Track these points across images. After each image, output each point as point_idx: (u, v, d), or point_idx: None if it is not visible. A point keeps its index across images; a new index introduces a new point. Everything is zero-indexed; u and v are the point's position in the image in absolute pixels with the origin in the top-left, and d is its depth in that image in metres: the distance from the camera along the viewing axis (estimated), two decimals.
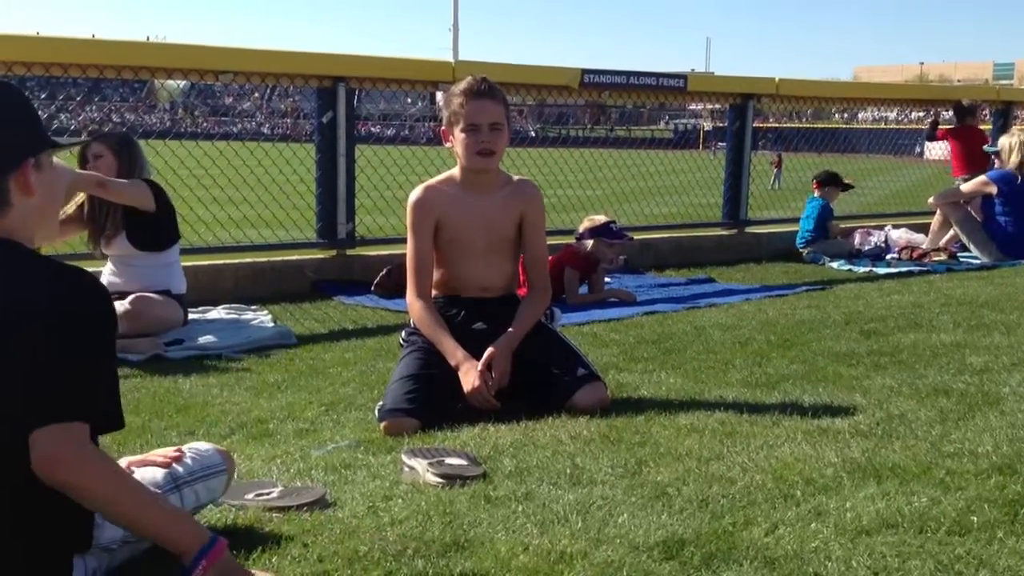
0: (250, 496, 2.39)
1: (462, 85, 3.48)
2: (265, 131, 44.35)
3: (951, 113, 10.11)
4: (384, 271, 6.17)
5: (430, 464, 2.58)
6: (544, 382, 3.39)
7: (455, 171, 3.61)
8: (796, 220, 8.53)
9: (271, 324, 5.30)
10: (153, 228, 4.95)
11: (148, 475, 2.11)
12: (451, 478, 2.51)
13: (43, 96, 11.05)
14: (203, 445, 2.29)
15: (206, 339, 4.87)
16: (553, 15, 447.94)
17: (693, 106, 37.85)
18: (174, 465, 2.16)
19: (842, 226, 8.69)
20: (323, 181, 6.72)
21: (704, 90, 9.05)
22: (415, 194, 3.59)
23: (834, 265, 7.78)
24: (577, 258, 6.13)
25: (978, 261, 7.77)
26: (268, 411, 3.58)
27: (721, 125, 17.86)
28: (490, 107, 3.45)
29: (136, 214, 4.89)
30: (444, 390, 3.35)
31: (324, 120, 6.67)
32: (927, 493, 2.31)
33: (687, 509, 2.27)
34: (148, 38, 36.73)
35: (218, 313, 5.53)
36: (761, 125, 14.22)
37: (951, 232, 8.16)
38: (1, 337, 1.73)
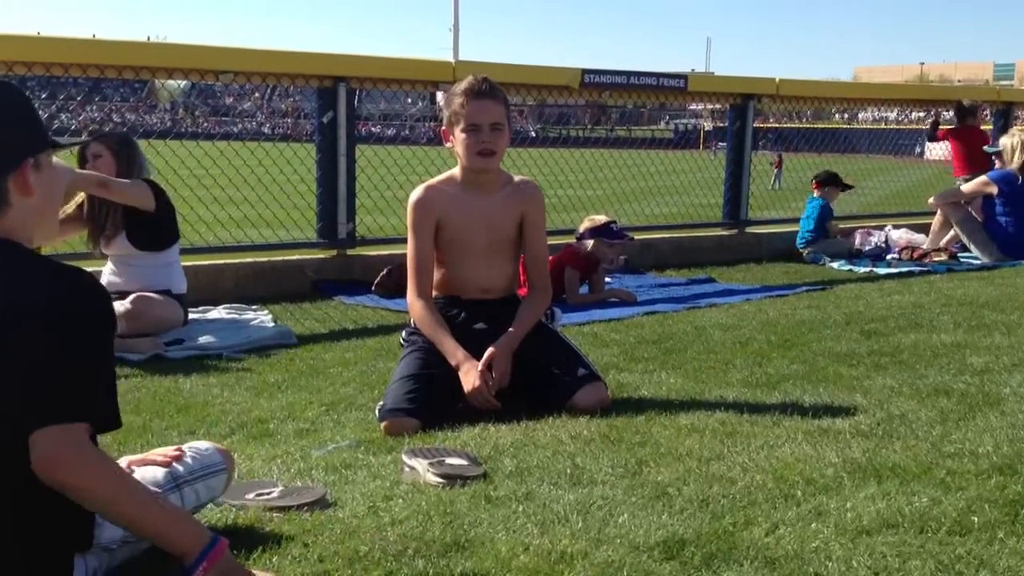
0: (251, 496, 2.39)
1: (463, 85, 3.47)
2: (266, 131, 44.35)
3: (951, 113, 10.11)
4: (384, 271, 6.18)
5: (430, 464, 2.58)
6: (544, 382, 3.39)
7: (456, 171, 3.61)
8: (796, 220, 8.54)
9: (271, 324, 5.30)
10: (153, 228, 4.96)
11: (148, 474, 2.11)
12: (451, 478, 2.51)
13: (44, 96, 11.06)
14: (203, 444, 2.29)
15: (206, 339, 4.87)
16: (553, 15, 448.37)
17: (693, 106, 37.85)
18: (174, 464, 2.16)
19: (842, 226, 8.69)
20: (324, 181, 6.72)
21: (704, 90, 9.05)
22: (416, 194, 3.59)
23: (834, 265, 7.78)
24: (577, 258, 6.13)
25: (979, 261, 7.77)
26: (268, 411, 3.58)
27: (721, 125, 17.85)
28: (491, 107, 3.45)
29: (136, 214, 4.89)
30: (444, 390, 3.35)
31: (325, 120, 6.67)
32: (928, 493, 2.31)
33: (687, 509, 2.26)
34: (149, 38, 36.72)
35: (218, 313, 5.53)
36: (761, 125, 14.22)
37: (952, 232, 8.16)
38: (0, 337, 1.73)
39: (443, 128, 3.59)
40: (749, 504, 2.29)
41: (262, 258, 6.68)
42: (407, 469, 2.64)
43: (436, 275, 3.61)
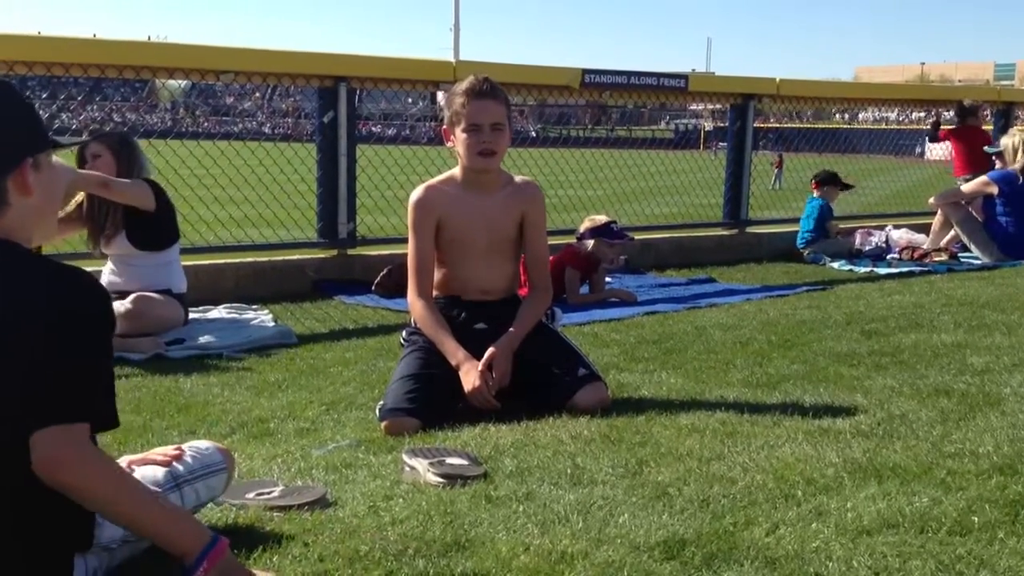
0: (251, 495, 2.39)
1: (464, 85, 3.47)
2: (266, 131, 44.34)
3: (951, 114, 10.11)
4: (385, 271, 6.18)
5: (431, 464, 2.57)
6: (545, 382, 3.39)
7: (456, 171, 3.61)
8: (797, 220, 8.54)
9: (272, 323, 5.30)
10: (153, 227, 4.96)
11: (148, 474, 2.11)
12: (452, 478, 2.51)
13: (44, 96, 11.07)
14: (203, 443, 2.29)
15: (207, 338, 4.88)
16: (554, 15, 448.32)
17: (694, 106, 37.83)
18: (174, 464, 2.16)
19: (842, 226, 8.69)
20: (324, 181, 6.72)
21: (705, 90, 9.06)
22: (416, 194, 3.59)
23: (835, 265, 7.78)
24: (578, 258, 6.13)
25: (979, 261, 7.77)
26: (269, 410, 3.58)
27: (722, 125, 17.87)
28: (492, 107, 3.45)
29: (136, 213, 4.89)
30: (445, 390, 3.35)
31: (325, 120, 6.68)
32: (928, 493, 2.31)
33: (688, 509, 2.26)
34: (149, 38, 36.75)
35: (219, 312, 5.53)
36: (762, 125, 14.22)
37: (952, 232, 8.16)
38: (0, 338, 1.73)
39: (444, 128, 3.58)
40: (750, 504, 2.29)
41: (262, 258, 6.68)
42: (407, 469, 2.64)
43: (436, 275, 3.61)
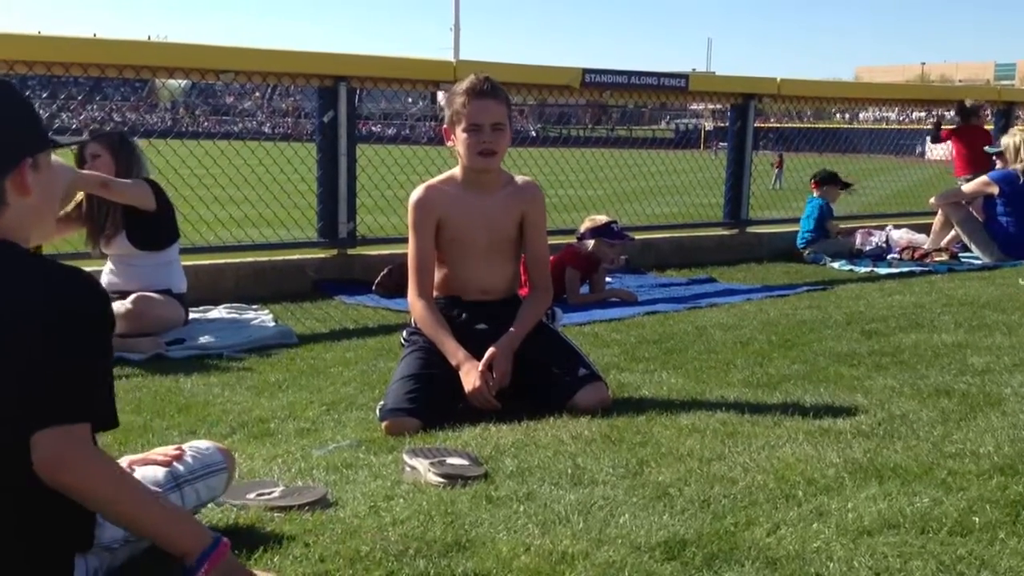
0: (251, 496, 2.39)
1: (464, 84, 3.47)
2: (266, 130, 44.36)
3: (951, 114, 10.10)
4: (385, 271, 6.18)
5: (431, 464, 2.57)
6: (545, 382, 3.39)
7: (456, 171, 3.60)
8: (797, 220, 8.54)
9: (272, 323, 5.30)
10: (153, 227, 4.95)
11: (149, 474, 2.11)
12: (452, 478, 2.51)
13: (45, 95, 11.07)
14: (204, 443, 2.29)
15: (207, 338, 4.88)
16: (554, 15, 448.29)
17: (694, 106, 37.82)
18: (175, 464, 2.16)
19: (843, 226, 8.69)
20: (324, 180, 6.72)
21: (705, 90, 9.05)
22: (416, 193, 3.59)
23: (835, 265, 7.78)
24: (578, 258, 6.13)
25: (979, 261, 7.77)
26: (269, 410, 3.58)
27: (722, 125, 17.85)
28: (492, 107, 3.45)
29: (136, 213, 4.88)
30: (445, 390, 3.35)
31: (325, 119, 6.67)
32: (929, 493, 2.30)
33: (689, 509, 2.26)
34: (149, 37, 36.74)
35: (219, 312, 5.53)
36: (762, 125, 14.21)
37: (952, 232, 8.16)
38: None
39: (444, 127, 3.58)
40: (750, 504, 2.29)
41: (263, 258, 6.68)
42: (408, 469, 2.64)
43: (437, 275, 3.61)
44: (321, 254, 6.79)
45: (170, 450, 2.21)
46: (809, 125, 19.50)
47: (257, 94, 59.69)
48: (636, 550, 2.03)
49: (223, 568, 1.79)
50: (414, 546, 2.06)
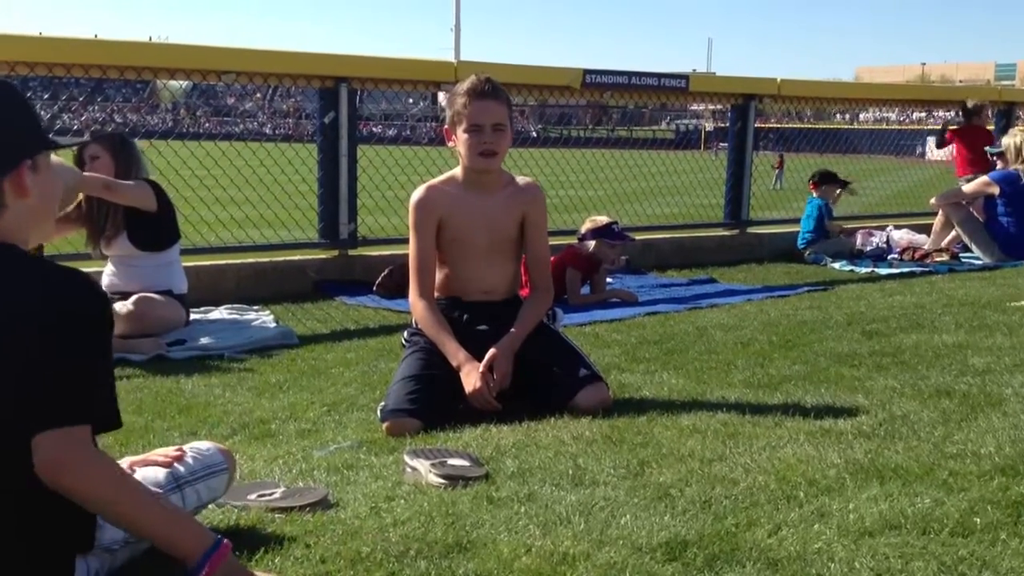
0: (252, 497, 2.39)
1: (466, 85, 3.47)
2: (267, 131, 44.36)
3: (952, 114, 10.10)
4: (386, 271, 6.18)
5: (432, 465, 2.57)
6: (546, 383, 3.39)
7: (457, 171, 3.61)
8: (798, 221, 8.55)
9: (273, 324, 5.30)
10: (154, 228, 4.96)
11: (150, 475, 2.11)
12: (453, 479, 2.51)
13: (46, 96, 11.07)
14: (204, 444, 2.29)
15: (208, 339, 4.88)
16: (554, 15, 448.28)
17: (695, 106, 37.82)
18: (175, 464, 2.16)
19: (846, 226, 8.68)
20: (325, 181, 6.72)
21: (706, 90, 9.05)
22: (417, 194, 3.59)
23: (836, 266, 7.78)
24: (579, 259, 6.13)
25: (980, 262, 7.77)
26: (270, 411, 3.58)
27: (723, 126, 17.85)
28: (493, 108, 3.45)
29: (137, 214, 4.89)
30: (446, 391, 3.35)
31: (326, 120, 6.68)
32: (930, 494, 2.30)
33: (690, 510, 2.26)
34: (150, 38, 36.74)
35: (220, 313, 5.53)
36: (763, 125, 14.20)
37: (953, 233, 8.16)
38: None
39: (445, 128, 3.58)
40: (751, 505, 2.29)
41: (264, 258, 6.68)
42: (409, 470, 2.64)
43: (438, 276, 3.61)
44: (322, 255, 6.79)
45: (171, 451, 2.21)
46: (809, 125, 19.49)
47: (258, 95, 59.67)
48: (637, 551, 2.03)
49: (224, 569, 1.79)
50: (415, 547, 2.06)
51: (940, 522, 2.14)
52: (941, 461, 2.56)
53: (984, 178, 8.15)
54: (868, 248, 8.35)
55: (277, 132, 43.07)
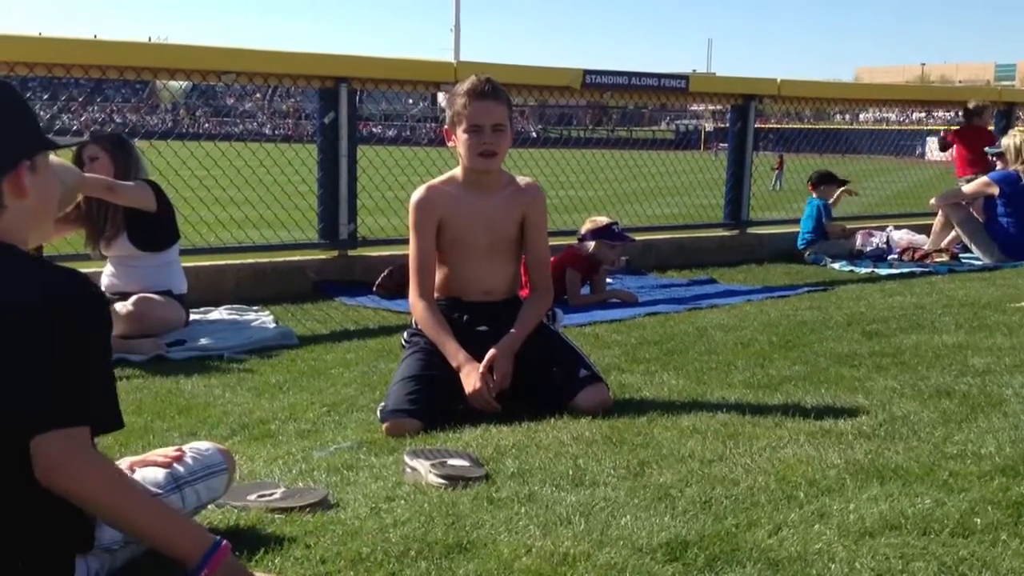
0: (252, 497, 2.39)
1: (466, 85, 3.47)
2: (267, 132, 44.35)
3: (953, 115, 10.10)
4: (386, 272, 6.18)
5: (432, 465, 2.57)
6: (546, 383, 3.39)
7: (457, 171, 3.60)
8: (798, 221, 8.55)
9: (273, 325, 5.30)
10: (153, 228, 4.95)
11: (149, 475, 2.11)
12: (453, 479, 2.51)
13: (46, 97, 11.07)
14: (204, 444, 2.28)
15: (208, 340, 4.87)
16: (554, 15, 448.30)
17: (695, 107, 37.83)
18: (175, 465, 2.15)
19: (848, 226, 8.68)
20: (325, 182, 6.72)
21: (706, 91, 9.06)
22: (417, 194, 3.59)
23: (836, 266, 7.78)
24: (579, 259, 6.13)
25: (980, 262, 7.77)
26: (270, 412, 3.58)
27: (723, 126, 17.83)
28: (493, 108, 3.45)
29: (137, 215, 4.88)
30: (446, 391, 3.35)
31: (326, 121, 6.68)
32: (930, 495, 2.30)
33: (690, 511, 2.26)
34: (150, 39, 36.71)
35: (220, 314, 5.53)
36: (762, 126, 14.20)
37: (953, 233, 8.16)
38: None
39: (445, 128, 3.58)
40: (752, 506, 2.29)
41: (263, 259, 6.68)
42: (409, 470, 2.64)
43: (437, 276, 3.60)
44: (322, 255, 6.79)
45: (170, 451, 2.21)
46: (809, 126, 19.49)
47: (258, 95, 59.66)
48: (638, 551, 2.03)
49: (224, 570, 1.78)
50: (415, 547, 2.05)
51: (940, 522, 2.14)
52: (941, 461, 2.56)
53: (984, 179, 8.15)
54: (868, 248, 8.35)
55: (277, 132, 43.07)
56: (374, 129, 28.71)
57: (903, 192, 12.27)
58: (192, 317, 5.17)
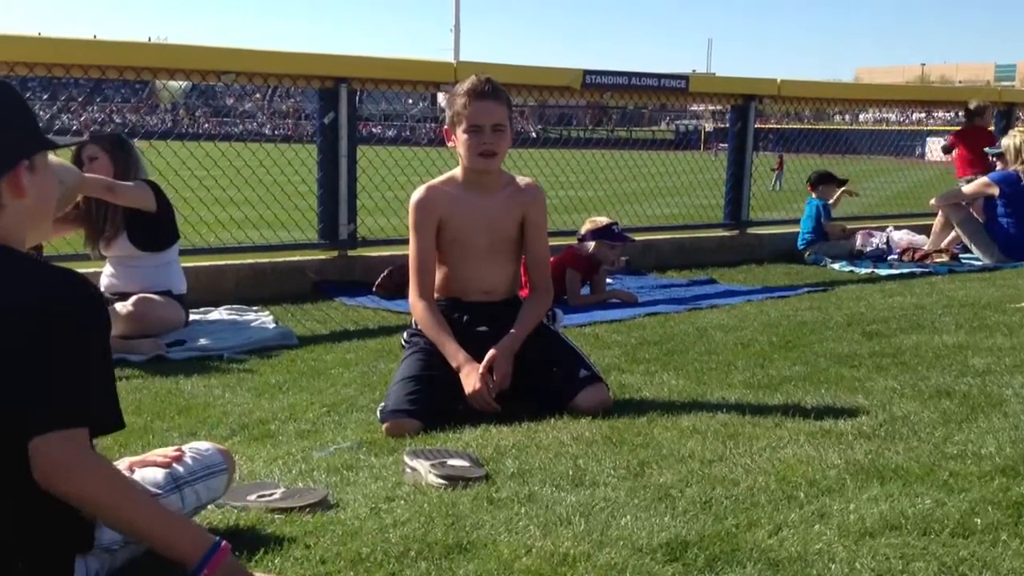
0: (252, 497, 2.39)
1: (466, 85, 3.47)
2: (267, 132, 44.36)
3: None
4: (385, 272, 6.18)
5: (432, 465, 2.57)
6: (546, 383, 3.39)
7: (457, 171, 3.60)
8: (797, 221, 8.55)
9: (272, 325, 5.30)
10: (153, 228, 4.95)
11: (148, 475, 2.10)
12: (453, 479, 2.51)
13: (45, 97, 11.07)
14: (203, 444, 2.28)
15: (207, 340, 4.87)
16: (554, 16, 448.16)
17: (695, 107, 37.83)
18: (174, 465, 2.15)
19: (849, 227, 8.68)
20: (325, 182, 6.72)
21: (706, 91, 9.05)
22: (417, 194, 3.59)
23: (836, 266, 7.78)
24: (579, 259, 6.13)
25: (980, 263, 7.77)
26: (270, 412, 3.58)
27: (723, 126, 17.82)
28: (493, 108, 3.44)
29: (136, 215, 4.88)
30: (446, 392, 3.35)
31: (326, 121, 6.68)
32: (931, 495, 2.30)
33: (690, 511, 2.26)
34: (150, 39, 36.71)
35: (219, 314, 5.52)
36: (763, 126, 14.19)
37: (953, 233, 8.16)
38: None
39: (445, 128, 3.58)
40: (752, 506, 2.29)
41: (263, 259, 6.68)
42: (409, 470, 2.63)
43: (437, 276, 3.60)
44: (321, 256, 6.79)
45: (170, 451, 2.20)
46: (809, 126, 19.49)
47: (257, 96, 59.65)
48: (638, 552, 2.03)
49: (224, 571, 1.78)
50: (415, 548, 2.05)
51: (941, 523, 2.14)
52: (941, 462, 2.56)
53: (984, 179, 8.15)
54: (868, 249, 8.34)
55: (276, 133, 43.07)
56: (374, 129, 28.70)
57: (903, 192, 12.27)
58: (192, 317, 5.17)
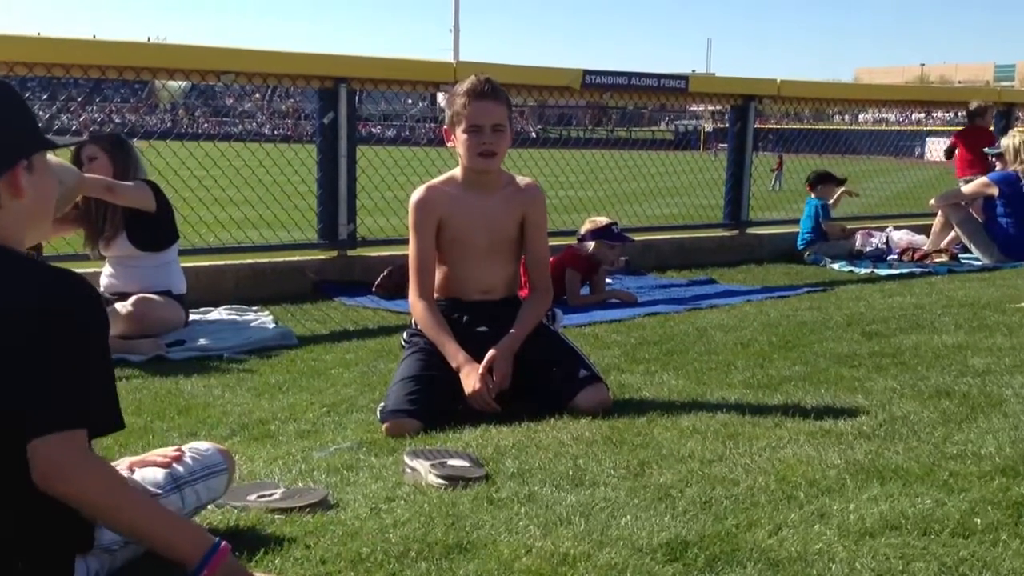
0: (252, 497, 2.39)
1: (465, 85, 3.47)
2: (266, 132, 44.35)
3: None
4: (385, 272, 6.18)
5: (432, 465, 2.57)
6: (546, 384, 3.39)
7: (457, 171, 3.60)
8: (797, 221, 8.55)
9: (272, 325, 5.30)
10: (152, 228, 4.95)
11: (148, 475, 2.10)
12: (453, 479, 2.51)
13: (44, 97, 11.06)
14: (203, 444, 2.28)
15: (207, 340, 4.87)
16: (554, 16, 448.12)
17: (694, 107, 37.81)
18: (174, 465, 2.15)
19: (849, 227, 8.68)
20: (324, 182, 6.72)
21: (705, 91, 9.06)
22: (417, 194, 3.59)
23: (835, 266, 7.78)
24: (578, 259, 6.13)
25: (979, 263, 7.77)
26: (270, 412, 3.58)
27: (722, 126, 17.83)
28: (493, 108, 3.44)
29: (136, 215, 4.88)
30: (445, 392, 3.35)
31: (325, 121, 6.68)
32: (931, 495, 2.30)
33: (690, 511, 2.26)
34: (149, 39, 36.69)
35: (219, 314, 5.52)
36: (762, 126, 14.20)
37: (952, 233, 8.16)
38: None
39: (445, 128, 3.58)
40: (752, 506, 2.29)
41: (263, 259, 6.68)
42: (409, 470, 2.63)
43: (437, 276, 3.60)
44: (321, 255, 6.79)
45: (170, 451, 2.20)
46: (809, 126, 19.48)
47: (257, 95, 59.62)
48: (638, 551, 2.03)
49: (224, 571, 1.78)
50: (415, 548, 2.05)
51: (941, 523, 2.14)
52: (941, 462, 2.56)
53: (983, 179, 8.16)
54: (868, 249, 8.35)
55: (276, 133, 43.07)
56: (373, 129, 28.68)
57: (903, 192, 12.27)
58: (192, 317, 5.17)
